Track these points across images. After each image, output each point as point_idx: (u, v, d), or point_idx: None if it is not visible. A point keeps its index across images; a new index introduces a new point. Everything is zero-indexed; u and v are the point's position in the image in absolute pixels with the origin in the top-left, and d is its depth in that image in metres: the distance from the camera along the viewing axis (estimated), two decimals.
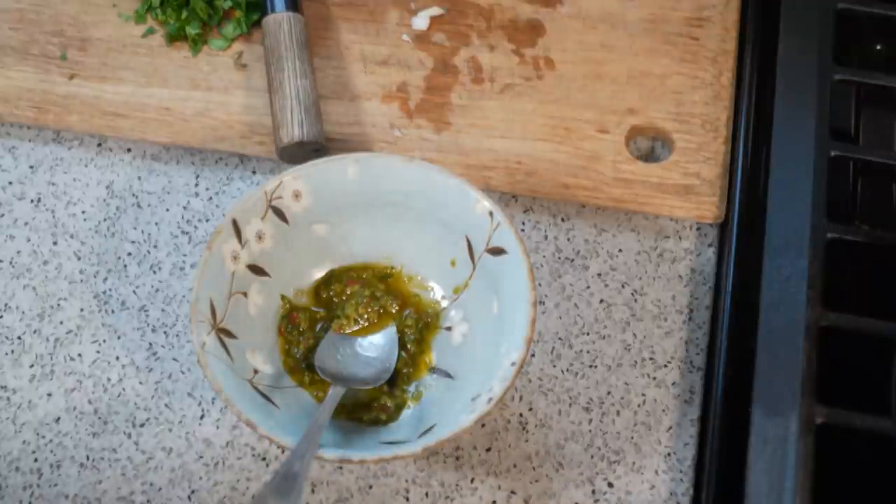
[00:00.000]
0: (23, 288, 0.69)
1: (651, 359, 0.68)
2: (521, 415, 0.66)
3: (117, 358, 0.67)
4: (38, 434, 0.65)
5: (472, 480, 0.64)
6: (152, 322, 0.68)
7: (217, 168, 0.74)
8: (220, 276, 0.62)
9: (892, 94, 0.76)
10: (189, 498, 0.63)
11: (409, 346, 0.66)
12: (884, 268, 0.70)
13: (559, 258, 0.71)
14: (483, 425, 0.65)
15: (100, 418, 0.65)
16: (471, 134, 0.74)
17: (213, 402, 0.66)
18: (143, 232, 0.72)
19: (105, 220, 0.72)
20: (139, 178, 0.74)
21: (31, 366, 0.67)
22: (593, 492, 0.64)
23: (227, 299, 0.62)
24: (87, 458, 0.64)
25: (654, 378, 0.67)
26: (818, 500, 0.59)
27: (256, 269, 0.65)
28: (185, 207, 0.73)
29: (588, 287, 0.70)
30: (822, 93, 0.73)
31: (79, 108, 0.75)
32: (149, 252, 0.71)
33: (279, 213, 0.65)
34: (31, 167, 0.74)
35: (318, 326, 0.66)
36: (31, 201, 0.73)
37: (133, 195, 0.73)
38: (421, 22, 0.79)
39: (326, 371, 0.63)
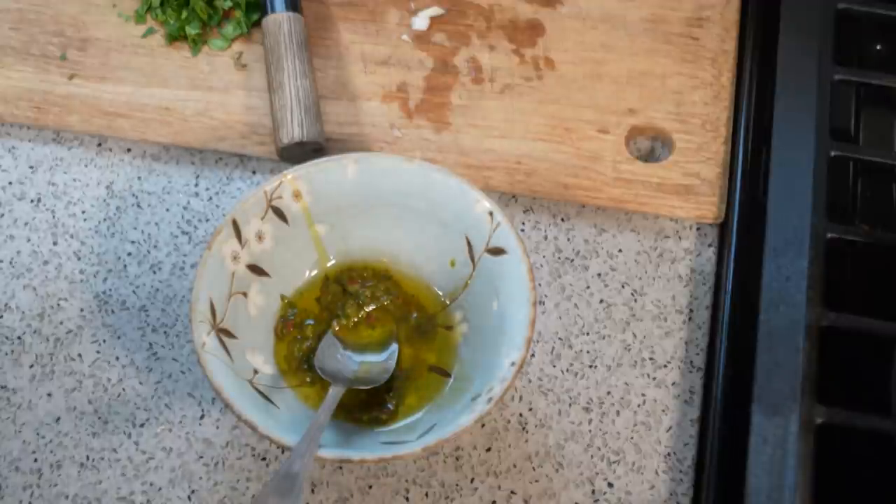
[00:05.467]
0: (23, 288, 0.69)
1: (651, 359, 0.68)
2: (521, 415, 0.66)
3: (117, 358, 0.67)
4: (38, 434, 0.65)
5: (472, 480, 0.64)
6: (152, 322, 0.68)
7: (217, 168, 0.74)
8: (220, 276, 0.62)
9: (892, 94, 0.76)
10: (189, 498, 0.63)
11: (408, 346, 0.66)
12: (884, 268, 0.70)
13: (559, 258, 0.71)
14: (483, 425, 0.65)
15: (100, 418, 0.65)
16: (471, 134, 0.74)
17: (213, 402, 0.66)
18: (143, 232, 0.72)
19: (105, 220, 0.72)
20: (139, 178, 0.74)
21: (31, 366, 0.67)
22: (593, 492, 0.64)
23: (227, 299, 0.62)
24: (87, 458, 0.64)
25: (654, 378, 0.67)
26: (818, 499, 0.59)
27: (256, 270, 0.65)
28: (185, 207, 0.73)
29: (588, 287, 0.70)
30: (822, 93, 0.73)
31: (79, 108, 0.75)
32: (149, 252, 0.71)
33: (279, 213, 0.65)
34: (31, 167, 0.74)
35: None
36: (31, 201, 0.73)
37: (133, 195, 0.73)
38: (421, 22, 0.79)
39: (326, 371, 0.63)
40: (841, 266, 0.69)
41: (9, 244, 0.71)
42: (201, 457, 0.64)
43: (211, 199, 0.73)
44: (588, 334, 0.69)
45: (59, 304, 0.69)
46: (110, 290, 0.70)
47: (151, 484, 0.64)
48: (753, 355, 0.64)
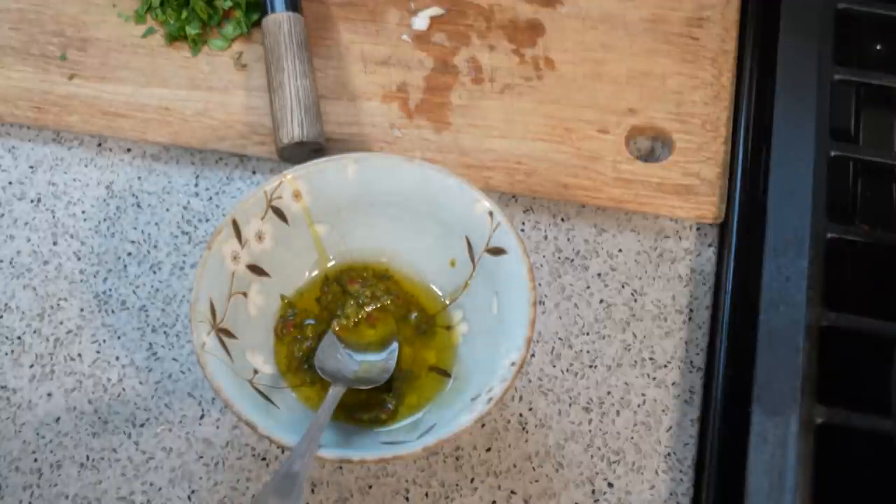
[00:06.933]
0: (23, 288, 0.69)
1: (651, 359, 0.68)
2: (521, 415, 0.66)
3: (117, 358, 0.67)
4: (38, 434, 0.65)
5: (472, 480, 0.64)
6: (152, 322, 0.68)
7: (217, 168, 0.74)
8: (220, 276, 0.62)
9: (892, 94, 0.76)
10: (189, 498, 0.63)
11: (408, 346, 0.66)
12: (884, 268, 0.70)
13: (559, 258, 0.71)
14: (483, 425, 0.65)
15: (100, 418, 0.65)
16: (471, 134, 0.74)
17: (213, 402, 0.66)
18: (143, 232, 0.72)
19: (105, 220, 0.72)
20: (139, 178, 0.74)
21: (31, 366, 0.67)
22: (593, 492, 0.64)
23: (227, 299, 0.62)
24: (87, 458, 0.64)
25: (654, 378, 0.67)
26: (818, 500, 0.59)
27: (256, 270, 0.65)
28: (185, 207, 0.73)
29: (588, 287, 0.70)
30: (822, 93, 0.73)
31: (79, 108, 0.75)
32: (149, 252, 0.71)
33: (279, 213, 0.65)
34: (31, 167, 0.74)
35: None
36: (31, 201, 0.73)
37: (133, 195, 0.73)
38: (421, 22, 0.79)
39: (326, 371, 0.63)
40: (841, 266, 0.69)
41: (9, 244, 0.71)
42: (201, 457, 0.64)
43: (211, 199, 0.73)
44: (588, 334, 0.69)
45: (59, 304, 0.69)
46: (110, 290, 0.70)
47: (151, 484, 0.64)
48: (753, 355, 0.64)
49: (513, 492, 0.64)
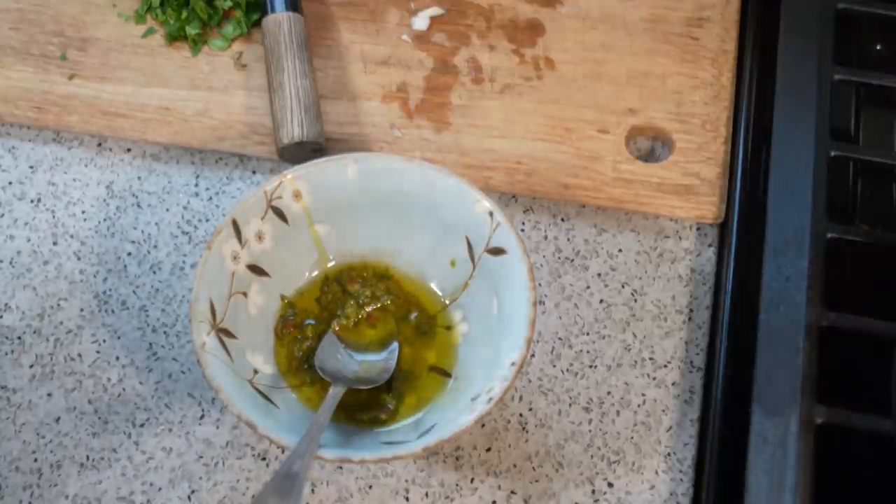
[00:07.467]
0: (23, 288, 0.69)
1: (651, 359, 0.68)
2: (521, 415, 0.66)
3: (117, 358, 0.67)
4: (38, 434, 0.65)
5: (472, 480, 0.64)
6: (152, 322, 0.68)
7: (217, 168, 0.74)
8: (220, 276, 0.62)
9: (892, 94, 0.76)
10: (189, 498, 0.63)
11: (408, 346, 0.66)
12: (884, 268, 0.70)
13: (559, 258, 0.71)
14: (483, 425, 0.65)
15: (100, 418, 0.65)
16: (471, 134, 0.74)
17: (213, 402, 0.66)
18: (143, 232, 0.72)
19: (105, 220, 0.72)
20: (139, 178, 0.74)
21: (31, 366, 0.67)
22: (593, 492, 0.64)
23: (227, 299, 0.62)
24: (87, 458, 0.64)
25: (654, 378, 0.67)
26: (818, 500, 0.59)
27: (256, 270, 0.65)
28: (185, 207, 0.73)
29: (588, 287, 0.70)
30: (822, 93, 0.73)
31: (79, 108, 0.75)
32: (149, 252, 0.71)
33: (279, 213, 0.65)
34: (31, 167, 0.74)
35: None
36: (31, 201, 0.73)
37: (133, 195, 0.73)
38: (421, 22, 0.79)
39: (326, 371, 0.63)
40: (841, 266, 0.69)
41: (9, 244, 0.71)
42: (201, 457, 0.64)
43: (211, 199, 0.73)
44: (588, 334, 0.69)
45: (59, 304, 0.69)
46: (110, 290, 0.70)
47: (151, 484, 0.64)
48: (753, 355, 0.64)
49: (513, 492, 0.64)
